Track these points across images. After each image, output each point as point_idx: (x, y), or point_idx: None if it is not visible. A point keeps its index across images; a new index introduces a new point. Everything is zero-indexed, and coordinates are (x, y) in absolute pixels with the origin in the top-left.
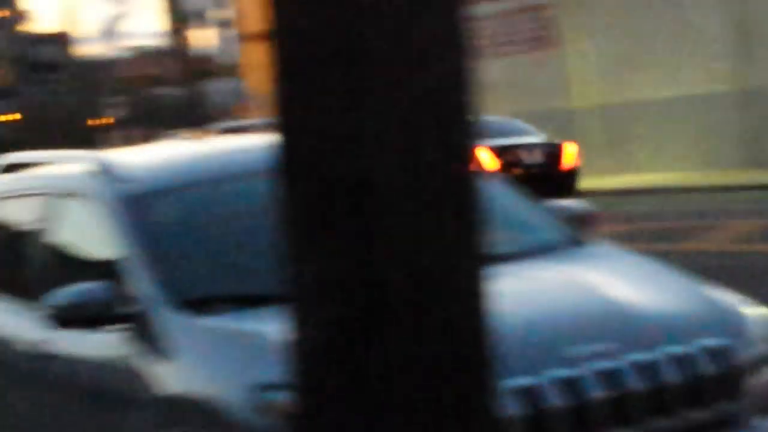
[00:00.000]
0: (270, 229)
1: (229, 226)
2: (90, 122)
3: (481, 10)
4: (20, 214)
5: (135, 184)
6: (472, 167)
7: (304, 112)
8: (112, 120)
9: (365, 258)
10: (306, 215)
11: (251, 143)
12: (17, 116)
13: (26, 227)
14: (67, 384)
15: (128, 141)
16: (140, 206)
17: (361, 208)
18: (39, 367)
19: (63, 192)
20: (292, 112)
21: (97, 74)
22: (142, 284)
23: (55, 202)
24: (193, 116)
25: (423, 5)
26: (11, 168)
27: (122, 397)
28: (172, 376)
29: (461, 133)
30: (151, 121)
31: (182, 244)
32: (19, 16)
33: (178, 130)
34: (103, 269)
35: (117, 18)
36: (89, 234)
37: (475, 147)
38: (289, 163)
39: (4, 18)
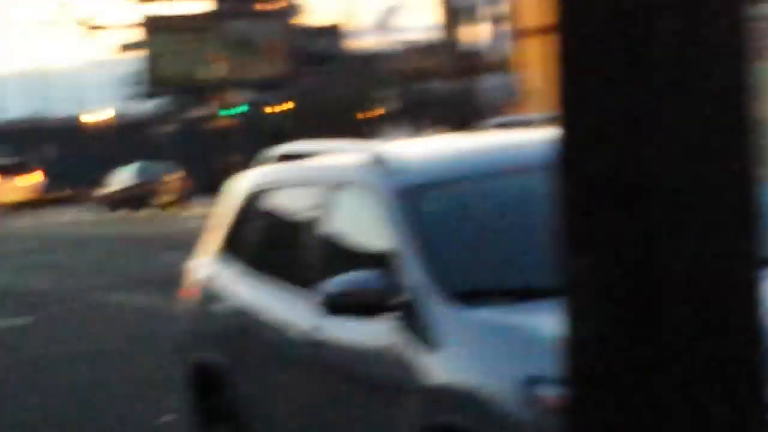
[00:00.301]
0: (544, 224)
1: (501, 220)
2: (361, 114)
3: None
4: (295, 204)
5: (409, 175)
6: (752, 169)
7: (587, 109)
8: (382, 112)
9: (644, 255)
10: (583, 211)
11: (526, 138)
12: (289, 107)
13: (301, 216)
14: (337, 370)
15: (398, 134)
16: (414, 198)
17: (641, 207)
18: (310, 353)
19: (338, 182)
20: (574, 109)
21: (370, 67)
22: (413, 275)
23: (331, 192)
24: (462, 111)
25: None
26: (286, 158)
27: (390, 386)
28: (441, 367)
29: (742, 135)
30: (420, 114)
31: (454, 237)
32: (294, 9)
33: (447, 125)
34: (376, 259)
35: (391, 11)
36: (363, 224)
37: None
38: (569, 159)
39: (281, 9)
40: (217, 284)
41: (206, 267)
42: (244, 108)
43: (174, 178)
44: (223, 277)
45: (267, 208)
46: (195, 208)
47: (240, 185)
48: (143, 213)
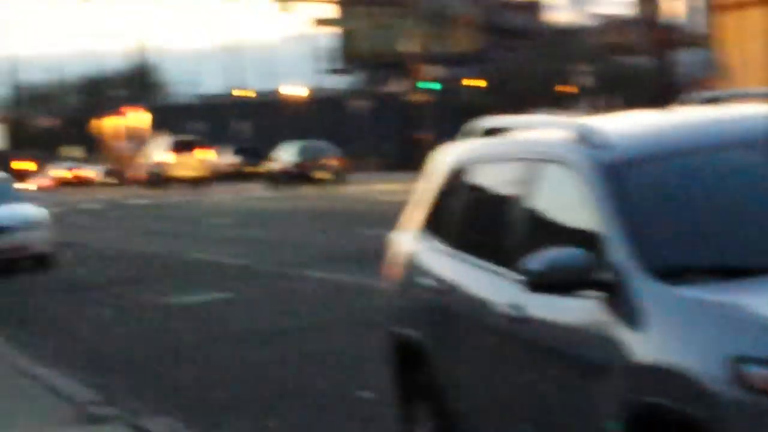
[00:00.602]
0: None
1: (712, 197)
2: (557, 89)
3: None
4: (498, 179)
5: (615, 151)
6: None
7: None
8: (578, 88)
9: None
10: None
11: (741, 112)
12: (483, 82)
13: (504, 192)
14: (539, 347)
15: (595, 109)
16: (620, 174)
17: None
18: (511, 330)
19: (542, 158)
20: None
21: (566, 42)
22: (618, 252)
23: (533, 167)
24: (660, 87)
25: None
26: (490, 132)
27: (594, 363)
28: (646, 346)
29: None
30: (617, 90)
31: (661, 213)
32: None
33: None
34: (580, 236)
35: None
36: (566, 200)
37: None
38: None
39: None
40: (419, 260)
41: (408, 242)
42: (436, 84)
43: (332, 158)
44: (424, 253)
45: (469, 184)
46: (387, 184)
47: (442, 160)
48: (303, 190)
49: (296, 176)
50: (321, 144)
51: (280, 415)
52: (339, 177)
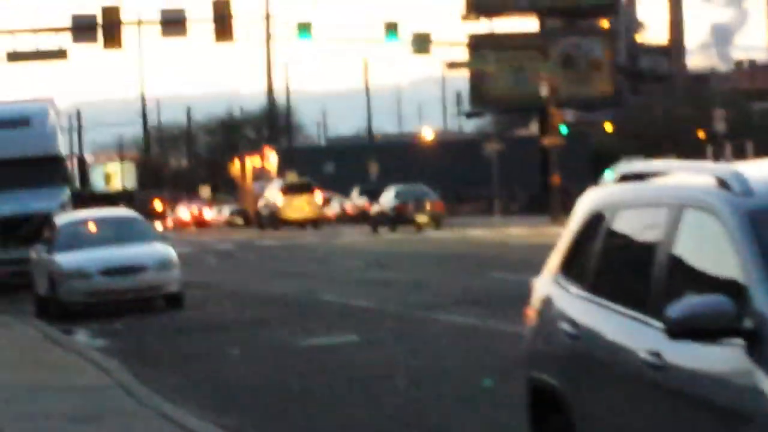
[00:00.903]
0: None
1: None
2: (698, 134)
3: None
4: (639, 225)
5: (758, 197)
6: None
7: None
8: (714, 133)
9: None
10: None
11: None
12: (614, 126)
13: (644, 238)
14: (680, 395)
15: (738, 155)
16: (763, 221)
17: None
18: (652, 377)
19: (684, 203)
20: None
21: (699, 87)
22: (761, 299)
23: (675, 213)
24: None
25: None
26: (626, 178)
27: (736, 412)
28: None
29: None
30: (748, 136)
31: None
32: (631, 26)
33: None
34: (722, 283)
35: (725, 31)
36: (709, 247)
37: None
38: None
39: (607, 28)
40: (556, 305)
41: (546, 287)
42: (565, 128)
43: (428, 202)
44: (562, 297)
45: (609, 228)
46: (518, 228)
47: (582, 205)
48: (398, 233)
49: (394, 219)
50: (418, 188)
51: None
52: (435, 221)
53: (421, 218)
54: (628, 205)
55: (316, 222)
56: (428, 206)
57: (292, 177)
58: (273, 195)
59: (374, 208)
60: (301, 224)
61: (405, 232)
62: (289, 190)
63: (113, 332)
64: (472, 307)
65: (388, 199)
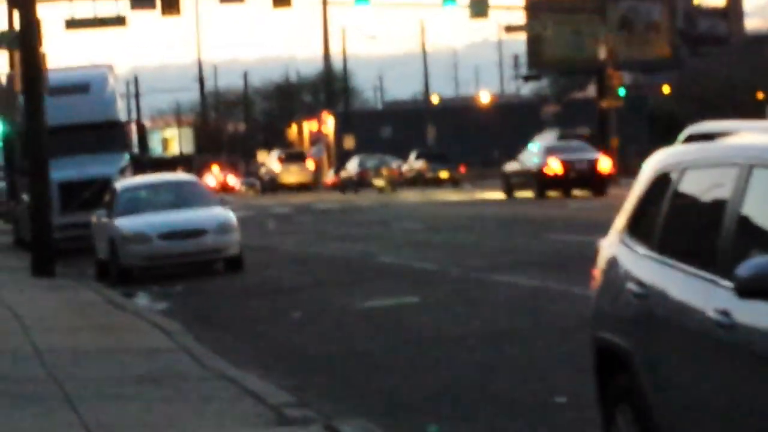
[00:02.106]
0: None
1: None
2: (757, 96)
3: None
4: (707, 185)
5: None
6: None
7: None
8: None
9: None
10: None
11: None
12: (672, 88)
13: (711, 198)
14: (750, 355)
15: None
16: None
17: None
18: (720, 338)
19: (752, 162)
20: None
21: (758, 49)
22: None
23: (741, 173)
24: None
25: None
26: (693, 138)
27: None
28: None
29: None
30: None
31: None
32: None
33: None
34: None
35: None
36: None
37: None
38: None
39: None
40: (622, 265)
41: (612, 247)
42: (623, 90)
43: (385, 169)
44: (627, 258)
45: (676, 189)
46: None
47: (648, 166)
48: (361, 195)
49: (357, 183)
50: (380, 156)
51: (474, 419)
52: (389, 186)
53: (378, 182)
54: (696, 166)
55: (309, 186)
56: (384, 172)
57: (350, 142)
58: (272, 164)
59: (342, 174)
60: (297, 188)
61: (460, 194)
62: (285, 159)
63: (174, 295)
64: (531, 268)
65: (353, 166)
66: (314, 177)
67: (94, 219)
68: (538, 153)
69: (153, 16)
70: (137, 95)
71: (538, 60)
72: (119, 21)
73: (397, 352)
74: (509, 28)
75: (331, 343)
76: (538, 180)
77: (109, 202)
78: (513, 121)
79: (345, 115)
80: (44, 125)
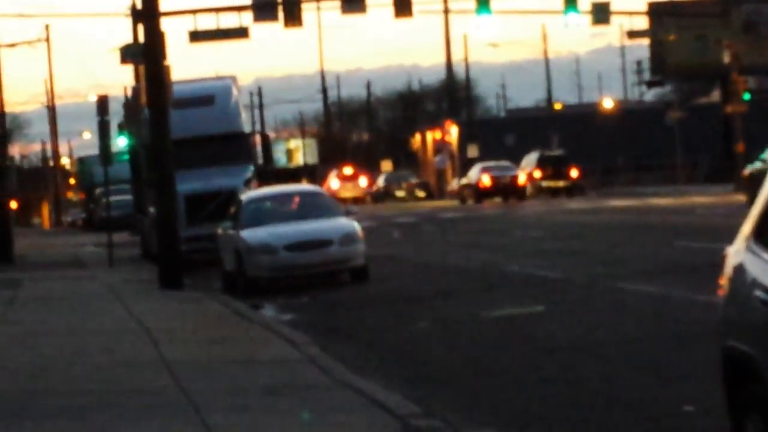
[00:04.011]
0: None
1: None
2: None
3: None
4: None
5: None
6: None
7: None
8: None
9: None
10: None
11: None
12: None
13: None
14: None
15: None
16: None
17: None
18: None
19: None
20: None
21: None
22: None
23: None
24: None
25: None
26: None
27: None
28: None
29: None
30: None
31: None
32: None
33: None
34: None
35: None
36: None
37: None
38: None
39: None
40: (750, 272)
41: (739, 255)
42: (748, 95)
43: (404, 183)
44: (755, 265)
45: None
46: (694, 197)
47: None
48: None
49: (383, 195)
50: (401, 173)
51: (602, 427)
52: (411, 196)
53: (400, 193)
54: None
55: (361, 199)
56: (404, 185)
57: (473, 150)
58: (333, 182)
59: (462, 182)
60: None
61: (584, 201)
62: (342, 179)
63: (300, 306)
64: (658, 275)
65: (381, 180)
66: (364, 192)
67: (219, 231)
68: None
69: (275, 27)
70: (261, 106)
71: (661, 65)
72: (242, 33)
73: (523, 361)
74: (632, 34)
75: (457, 353)
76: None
77: (235, 214)
78: (637, 128)
79: (468, 124)
80: (169, 138)
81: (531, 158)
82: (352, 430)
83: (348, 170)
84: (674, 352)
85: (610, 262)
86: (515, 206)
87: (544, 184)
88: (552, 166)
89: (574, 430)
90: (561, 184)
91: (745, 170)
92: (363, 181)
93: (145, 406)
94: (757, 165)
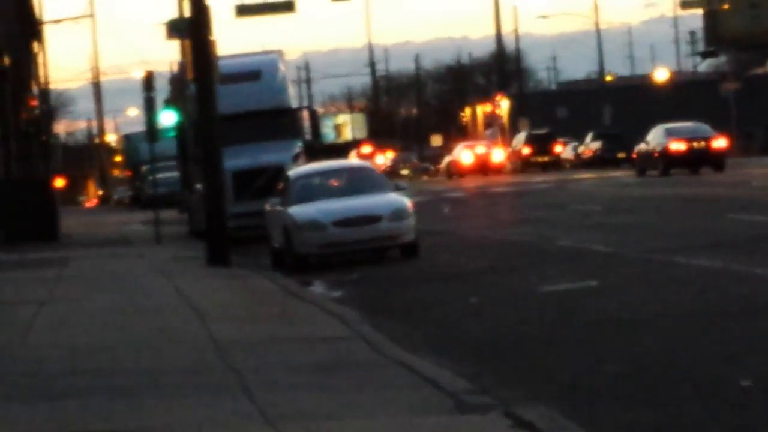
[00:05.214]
0: None
1: None
2: None
3: None
4: None
5: None
6: None
7: None
8: None
9: None
10: None
11: None
12: None
13: None
14: None
15: None
16: None
17: None
18: None
19: None
20: None
21: None
22: None
23: None
24: None
25: None
26: None
27: None
28: None
29: None
30: None
31: None
32: None
33: None
34: None
35: None
36: None
37: None
38: None
39: None
40: None
41: None
42: None
43: (409, 162)
44: None
45: None
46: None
47: None
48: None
49: (390, 172)
50: (406, 154)
51: (658, 403)
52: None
53: (405, 170)
54: None
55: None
56: (409, 164)
57: (525, 124)
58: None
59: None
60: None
61: (647, 178)
62: (361, 157)
63: (350, 283)
64: (712, 248)
65: (386, 159)
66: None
67: (267, 207)
68: None
69: (322, 0)
70: (308, 81)
71: (715, 35)
72: (288, 6)
73: (576, 336)
74: (685, 4)
75: (509, 329)
76: None
77: (283, 190)
78: (691, 99)
79: (519, 97)
80: (216, 114)
81: (520, 137)
82: (404, 408)
83: (366, 149)
84: (733, 327)
85: (664, 235)
86: (569, 179)
87: (532, 159)
88: (538, 144)
89: (630, 406)
90: (546, 159)
91: None
92: (381, 159)
93: (193, 385)
94: None
